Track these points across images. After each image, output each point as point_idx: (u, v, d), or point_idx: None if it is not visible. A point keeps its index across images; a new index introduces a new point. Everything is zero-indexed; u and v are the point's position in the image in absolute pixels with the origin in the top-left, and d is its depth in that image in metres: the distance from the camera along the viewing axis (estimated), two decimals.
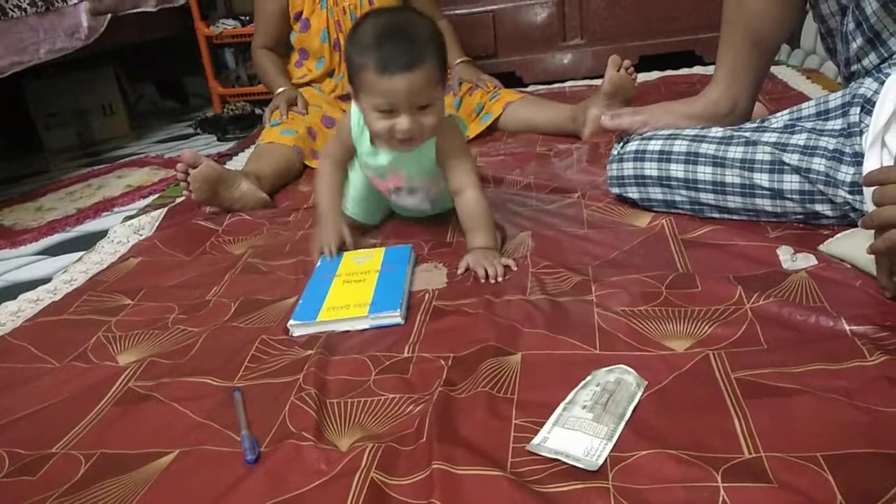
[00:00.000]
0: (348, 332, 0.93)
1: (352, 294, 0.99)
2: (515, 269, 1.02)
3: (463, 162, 1.10)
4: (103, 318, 1.06)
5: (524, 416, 0.71)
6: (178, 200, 1.61)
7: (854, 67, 1.02)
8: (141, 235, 1.43)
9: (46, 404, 0.85)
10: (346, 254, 1.12)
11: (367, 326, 0.93)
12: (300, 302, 0.99)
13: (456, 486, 0.62)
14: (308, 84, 1.93)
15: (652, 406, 0.70)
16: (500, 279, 1.00)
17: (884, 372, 0.70)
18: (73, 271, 1.30)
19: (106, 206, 1.77)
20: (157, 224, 1.47)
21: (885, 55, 0.96)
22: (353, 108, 1.11)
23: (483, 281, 0.99)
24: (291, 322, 0.94)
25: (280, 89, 1.85)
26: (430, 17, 1.06)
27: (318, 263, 1.11)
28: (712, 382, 0.73)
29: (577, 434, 0.66)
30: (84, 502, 0.67)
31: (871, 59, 0.98)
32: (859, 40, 0.98)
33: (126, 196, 1.82)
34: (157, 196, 1.77)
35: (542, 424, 0.69)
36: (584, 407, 0.70)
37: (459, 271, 1.03)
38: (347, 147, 1.16)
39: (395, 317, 0.93)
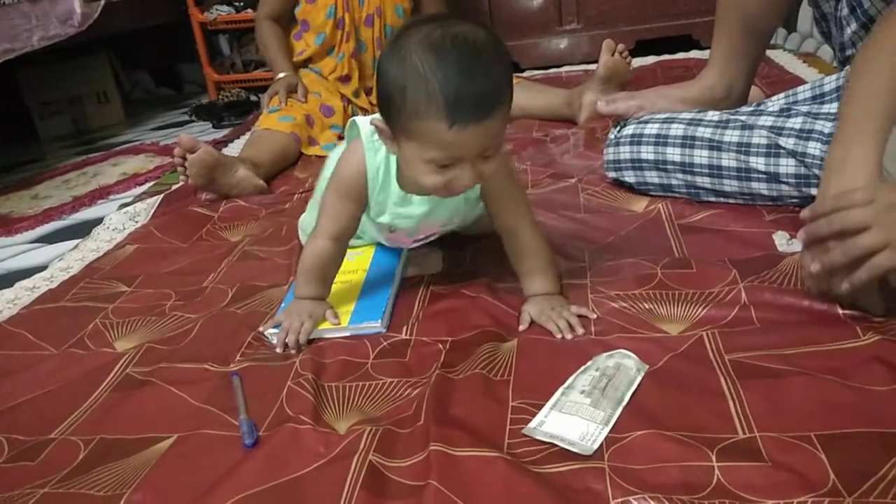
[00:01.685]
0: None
1: (334, 301, 0.93)
2: (594, 317, 0.84)
3: (515, 195, 0.89)
4: (100, 305, 1.06)
5: (520, 398, 0.72)
6: (174, 187, 1.60)
7: (849, 52, 1.02)
8: (137, 223, 1.43)
9: (45, 391, 0.86)
10: None
11: (347, 335, 0.88)
12: (280, 306, 0.94)
13: (453, 467, 0.62)
14: (306, 62, 1.91)
15: (647, 388, 0.71)
16: (578, 332, 0.81)
17: (876, 352, 0.71)
18: (69, 259, 1.30)
19: (101, 193, 1.77)
20: (152, 211, 1.47)
21: None
22: (368, 150, 0.84)
23: (559, 337, 0.81)
24: (270, 331, 0.89)
25: (281, 74, 1.84)
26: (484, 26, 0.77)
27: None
28: (707, 364, 0.73)
29: (573, 419, 0.67)
30: (84, 487, 0.67)
31: None
32: (854, 25, 0.98)
33: (122, 184, 1.82)
34: (152, 183, 1.76)
35: (538, 407, 0.70)
36: (582, 392, 0.70)
37: (521, 327, 0.84)
38: (358, 206, 0.88)
39: (376, 327, 0.88)
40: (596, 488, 0.59)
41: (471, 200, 0.90)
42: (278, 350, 0.86)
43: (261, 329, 0.91)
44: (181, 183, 1.54)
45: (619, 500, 0.57)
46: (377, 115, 0.79)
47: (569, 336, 0.81)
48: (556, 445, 0.64)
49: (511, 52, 0.81)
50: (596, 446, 0.63)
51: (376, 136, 0.82)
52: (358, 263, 1.02)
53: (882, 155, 0.74)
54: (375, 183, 0.85)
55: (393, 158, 0.84)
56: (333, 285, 0.94)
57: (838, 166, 0.76)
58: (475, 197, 0.89)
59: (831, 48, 1.10)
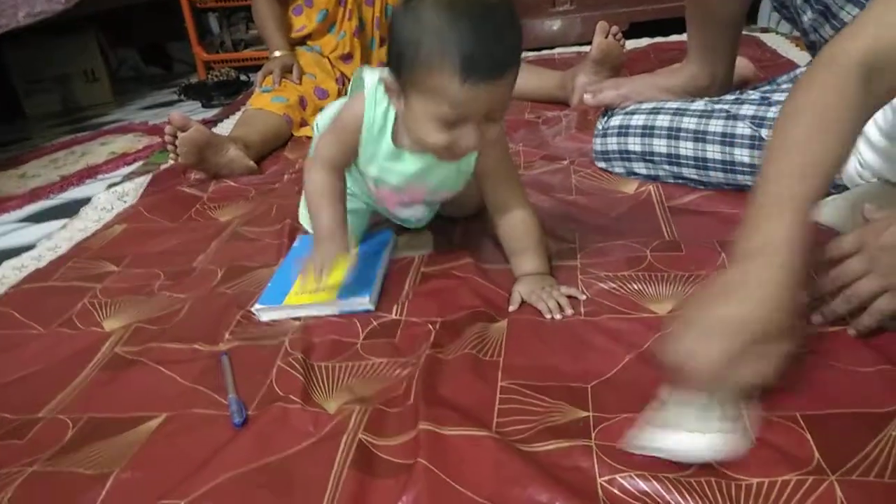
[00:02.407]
0: None
1: None
2: (583, 298, 0.84)
3: (510, 174, 0.90)
4: (88, 285, 1.06)
5: (510, 378, 0.72)
6: (163, 167, 1.59)
7: (812, 38, 1.02)
8: (125, 202, 1.42)
9: (32, 370, 0.85)
10: None
11: (335, 312, 0.88)
12: (269, 284, 0.94)
13: (442, 446, 0.63)
14: (305, 38, 1.88)
15: (634, 368, 0.71)
16: (567, 313, 0.82)
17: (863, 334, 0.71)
18: (57, 238, 1.29)
19: (90, 173, 1.75)
20: (141, 191, 1.46)
21: (839, 27, 0.95)
22: (369, 102, 0.84)
23: (548, 318, 0.81)
24: (258, 306, 0.90)
25: (277, 53, 1.81)
26: None
27: (295, 244, 1.06)
28: None
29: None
30: (72, 465, 0.67)
31: (826, 31, 0.97)
32: (809, 13, 0.98)
33: (110, 163, 1.80)
34: (141, 163, 1.75)
35: (526, 387, 0.70)
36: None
37: (511, 307, 0.84)
38: (352, 150, 0.88)
39: (364, 303, 0.88)
40: (583, 466, 0.59)
41: (462, 173, 0.89)
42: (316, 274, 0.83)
43: (250, 308, 0.91)
44: (171, 162, 1.53)
45: (606, 477, 0.58)
46: (386, 71, 0.79)
47: (557, 316, 0.81)
48: (543, 422, 0.64)
49: None
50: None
51: (380, 92, 0.83)
52: None
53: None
54: (370, 135, 0.85)
55: (391, 115, 0.84)
56: None
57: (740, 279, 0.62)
58: (467, 170, 0.89)
59: (799, 32, 1.10)
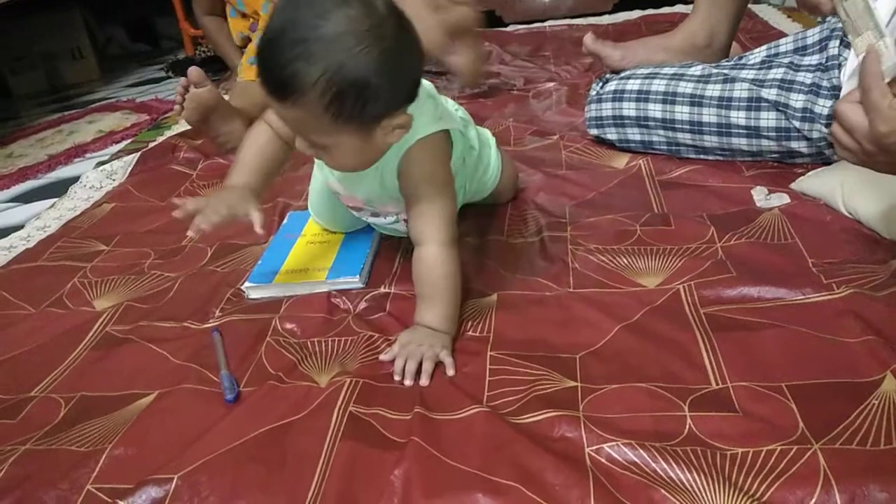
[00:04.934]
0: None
1: (313, 256, 0.93)
2: (451, 374, 0.70)
3: (428, 203, 0.76)
4: (78, 264, 1.05)
5: (499, 351, 0.73)
6: (152, 145, 1.58)
7: None
8: (114, 181, 1.41)
9: (24, 350, 0.85)
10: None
11: (325, 291, 0.87)
12: (259, 263, 0.94)
13: (434, 421, 0.63)
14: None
15: (623, 340, 0.72)
16: (423, 382, 0.69)
17: (849, 305, 0.72)
18: (46, 218, 1.28)
19: (78, 151, 1.74)
20: (129, 169, 1.45)
21: None
22: None
23: (397, 379, 0.70)
24: (247, 285, 0.89)
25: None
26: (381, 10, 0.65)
27: (286, 221, 1.05)
28: (682, 317, 0.74)
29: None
30: (65, 443, 0.68)
31: None
32: None
33: (98, 141, 1.78)
34: (129, 141, 1.74)
35: (516, 357, 0.71)
36: None
37: (383, 357, 0.73)
38: None
39: (354, 282, 0.88)
40: (571, 436, 0.60)
41: (387, 189, 0.80)
42: (189, 232, 0.75)
43: (240, 286, 0.91)
44: (175, 114, 1.48)
45: (594, 446, 0.58)
46: None
47: (408, 382, 0.69)
48: (531, 393, 0.65)
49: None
50: None
51: None
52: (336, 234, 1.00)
53: None
54: None
55: None
56: (311, 245, 0.93)
57: None
58: (392, 188, 0.79)
59: None
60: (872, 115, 0.63)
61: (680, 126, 1.10)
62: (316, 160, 0.87)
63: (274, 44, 0.64)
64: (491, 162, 0.99)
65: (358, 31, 0.63)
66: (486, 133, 1.01)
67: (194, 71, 1.35)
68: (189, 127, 1.46)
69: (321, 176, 0.91)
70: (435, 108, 0.78)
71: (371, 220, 0.93)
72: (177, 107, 1.41)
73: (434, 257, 0.76)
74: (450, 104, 0.90)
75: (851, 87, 0.88)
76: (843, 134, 0.67)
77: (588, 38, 1.26)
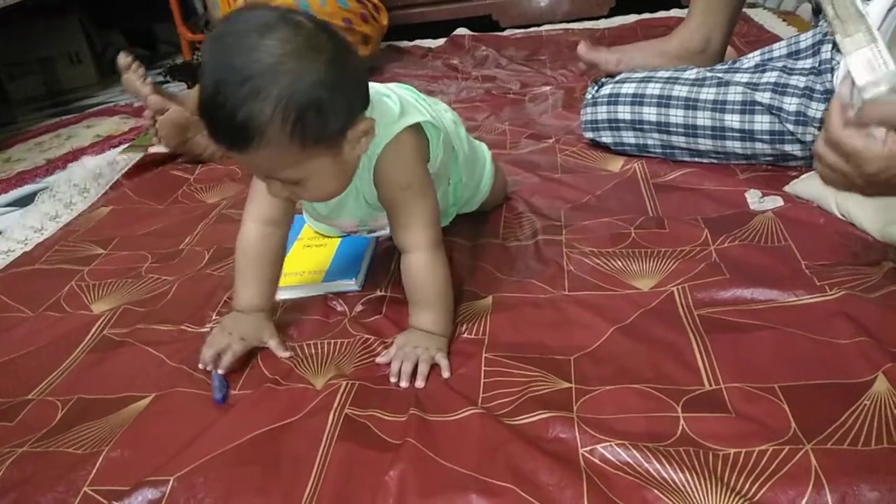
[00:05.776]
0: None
1: (310, 260, 0.93)
2: (447, 376, 0.71)
3: (408, 209, 0.75)
4: (76, 268, 1.06)
5: (493, 353, 0.73)
6: (150, 150, 1.58)
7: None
8: (100, 184, 1.41)
9: (21, 353, 0.85)
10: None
11: (321, 293, 0.88)
12: None
13: (429, 423, 0.64)
14: None
15: (617, 342, 0.72)
16: (403, 385, 0.70)
17: (841, 307, 0.73)
18: (44, 221, 1.28)
19: (76, 156, 1.74)
20: (122, 170, 1.45)
21: None
22: None
23: (393, 381, 0.71)
24: None
25: None
26: (311, 31, 0.63)
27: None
28: (676, 319, 0.75)
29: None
30: (62, 445, 0.68)
31: None
32: None
33: (96, 146, 1.79)
34: (127, 145, 1.74)
35: (512, 359, 0.71)
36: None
37: (380, 360, 0.74)
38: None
39: (350, 285, 0.88)
40: (565, 437, 0.60)
41: (370, 205, 0.79)
42: (200, 366, 0.75)
43: None
44: (155, 145, 1.52)
45: (588, 447, 0.59)
46: None
47: (403, 384, 0.70)
48: (525, 394, 0.66)
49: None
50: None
51: None
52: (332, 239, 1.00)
53: None
54: None
55: None
56: (307, 248, 0.93)
57: None
58: (373, 203, 0.78)
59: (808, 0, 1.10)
60: (855, 159, 0.61)
61: (674, 129, 1.11)
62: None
63: (217, 97, 0.60)
64: (485, 176, 0.99)
65: (294, 51, 0.61)
66: (483, 148, 1.01)
67: (154, 99, 1.38)
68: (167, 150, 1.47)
69: (307, 217, 0.89)
70: (392, 106, 0.74)
71: (370, 236, 0.93)
72: (154, 139, 1.43)
73: (421, 263, 0.76)
74: (440, 106, 0.90)
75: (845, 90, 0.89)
76: (827, 170, 0.65)
77: (582, 48, 1.26)
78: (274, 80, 0.60)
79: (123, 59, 1.42)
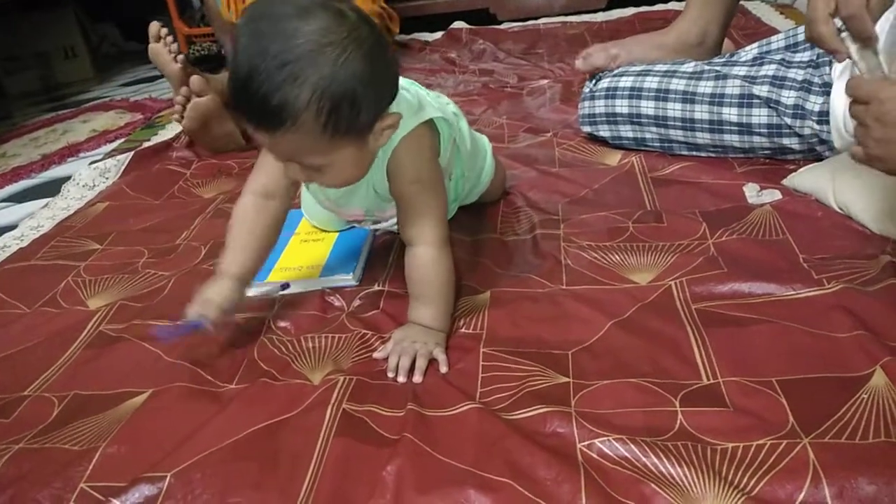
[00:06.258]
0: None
1: (307, 254, 0.93)
2: (445, 370, 0.71)
3: (419, 203, 0.76)
4: (72, 264, 1.05)
5: (492, 348, 0.73)
6: (146, 144, 1.58)
7: None
8: (107, 179, 1.41)
9: (17, 349, 0.85)
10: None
11: (318, 288, 0.87)
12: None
13: (427, 418, 0.64)
14: None
15: (615, 336, 0.72)
16: (400, 380, 0.69)
17: (839, 300, 0.73)
18: (39, 217, 1.28)
19: (71, 151, 1.73)
20: (123, 168, 1.45)
21: None
22: None
23: (390, 376, 0.70)
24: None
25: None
26: (350, 20, 0.63)
27: None
28: (674, 313, 0.75)
29: None
30: (59, 441, 0.68)
31: None
32: None
33: (92, 141, 1.78)
34: (123, 140, 1.73)
35: (509, 353, 0.71)
36: None
37: (377, 355, 0.74)
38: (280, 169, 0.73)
39: (348, 280, 0.88)
40: (562, 431, 0.60)
41: (380, 195, 0.80)
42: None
43: None
44: (169, 114, 1.48)
45: (585, 442, 0.59)
46: None
47: (390, 374, 0.70)
48: (523, 389, 0.66)
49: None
50: None
51: None
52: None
53: None
54: None
55: None
56: (304, 243, 0.92)
57: None
58: (383, 193, 0.79)
59: None
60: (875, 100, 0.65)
61: (672, 123, 1.11)
62: (305, 185, 0.85)
63: (252, 79, 0.60)
64: (486, 168, 0.99)
65: (336, 41, 0.61)
66: (484, 140, 1.01)
67: (197, 81, 1.36)
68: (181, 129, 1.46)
69: (312, 198, 0.89)
70: (411, 101, 0.76)
71: (373, 227, 0.92)
72: (176, 115, 1.42)
73: (427, 258, 0.76)
74: (442, 99, 0.90)
75: (843, 83, 0.88)
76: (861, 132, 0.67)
77: (578, 62, 1.25)
78: (313, 67, 0.60)
79: (155, 26, 1.40)
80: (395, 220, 0.88)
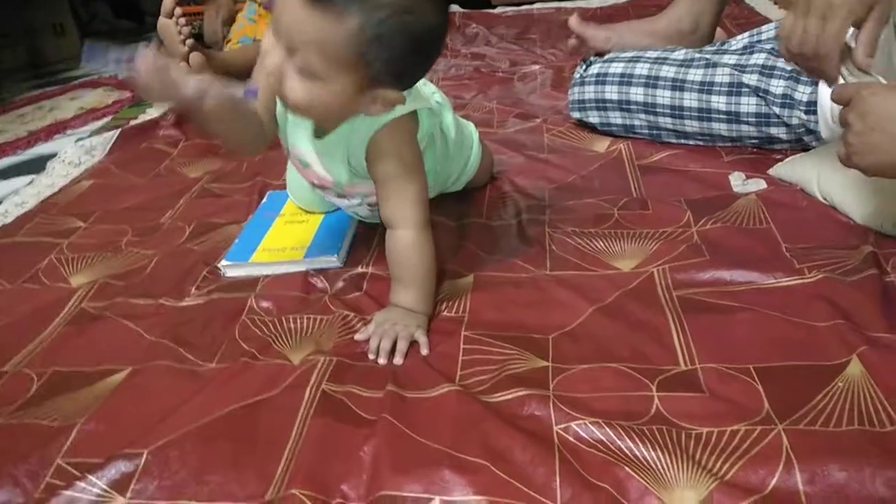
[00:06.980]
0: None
1: (291, 235, 0.93)
2: (425, 353, 0.71)
3: (399, 186, 0.75)
4: (55, 241, 1.04)
5: (473, 331, 0.73)
6: (132, 123, 1.57)
7: None
8: (93, 156, 1.40)
9: None
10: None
11: (302, 270, 0.87)
12: (236, 241, 0.93)
13: (406, 400, 0.64)
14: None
15: (595, 322, 0.73)
16: (381, 362, 0.69)
17: (819, 290, 0.73)
18: (24, 194, 1.27)
19: (58, 128, 1.71)
20: (109, 146, 1.43)
21: None
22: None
23: (371, 357, 0.70)
24: (224, 262, 0.89)
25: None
26: None
27: (265, 200, 1.04)
28: (655, 300, 0.75)
29: None
30: (37, 417, 0.67)
31: None
32: None
33: (79, 118, 1.76)
34: (110, 118, 1.72)
35: (489, 336, 0.71)
36: None
37: (358, 336, 0.73)
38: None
39: (332, 261, 0.88)
40: (539, 414, 0.60)
41: (353, 169, 0.78)
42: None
43: (217, 264, 0.90)
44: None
45: (562, 425, 0.59)
46: None
47: (371, 356, 0.70)
48: (503, 371, 0.66)
49: None
50: None
51: None
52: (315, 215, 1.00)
53: None
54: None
55: None
56: (289, 224, 0.93)
57: None
58: (358, 168, 0.78)
59: None
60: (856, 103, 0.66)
61: (661, 110, 1.10)
62: (282, 123, 0.81)
63: None
64: (472, 156, 0.98)
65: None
66: (471, 127, 1.01)
67: (196, 58, 1.34)
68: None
69: (297, 179, 0.88)
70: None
71: (336, 200, 0.89)
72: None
73: (407, 241, 0.76)
74: (429, 87, 0.90)
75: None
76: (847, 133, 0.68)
77: (573, 20, 1.26)
78: None
79: (170, 2, 1.38)
80: (357, 201, 0.87)
